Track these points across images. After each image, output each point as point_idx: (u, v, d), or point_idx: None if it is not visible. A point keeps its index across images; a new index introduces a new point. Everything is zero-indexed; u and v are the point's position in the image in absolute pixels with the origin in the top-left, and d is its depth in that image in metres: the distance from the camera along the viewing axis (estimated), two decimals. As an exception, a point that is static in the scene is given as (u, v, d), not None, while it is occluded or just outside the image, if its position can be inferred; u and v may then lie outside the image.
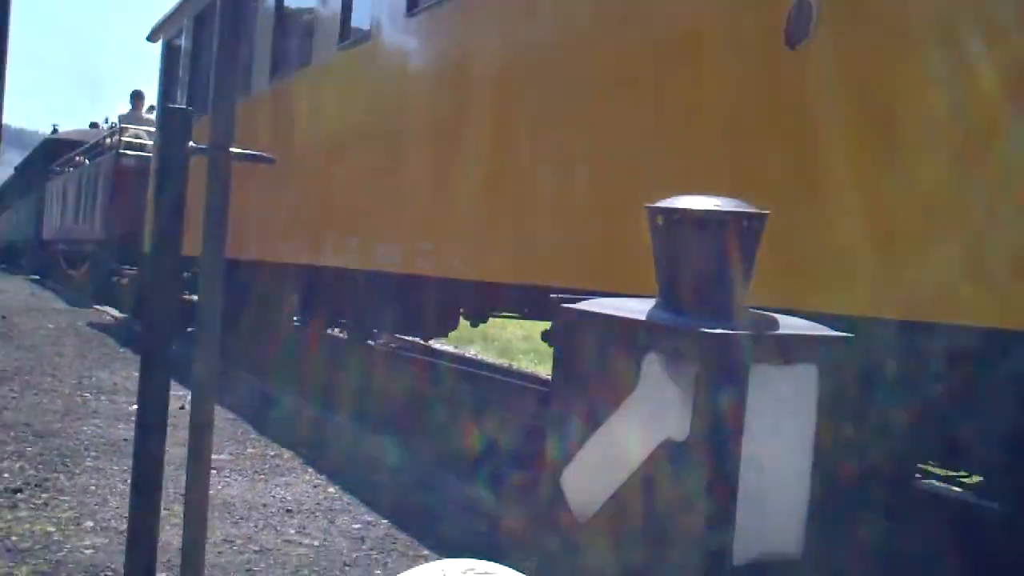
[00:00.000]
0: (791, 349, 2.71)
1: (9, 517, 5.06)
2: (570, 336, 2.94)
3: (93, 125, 22.91)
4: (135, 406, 7.84)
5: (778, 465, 2.74)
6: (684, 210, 2.76)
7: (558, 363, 2.97)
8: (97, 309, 17.89)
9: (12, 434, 6.73)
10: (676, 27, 4.52)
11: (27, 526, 4.89)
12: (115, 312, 17.43)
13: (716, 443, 2.63)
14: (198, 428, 2.95)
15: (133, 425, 7.15)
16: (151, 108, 18.32)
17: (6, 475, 5.78)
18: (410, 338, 11.93)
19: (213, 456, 6.48)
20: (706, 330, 2.61)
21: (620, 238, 4.67)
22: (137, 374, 9.38)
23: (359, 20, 8.11)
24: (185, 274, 13.60)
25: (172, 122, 2.69)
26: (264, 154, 2.67)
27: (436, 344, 14.28)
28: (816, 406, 2.74)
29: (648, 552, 2.73)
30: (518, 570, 2.34)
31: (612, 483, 2.81)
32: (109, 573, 4.38)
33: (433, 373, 10.08)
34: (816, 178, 3.71)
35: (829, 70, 3.64)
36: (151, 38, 15.44)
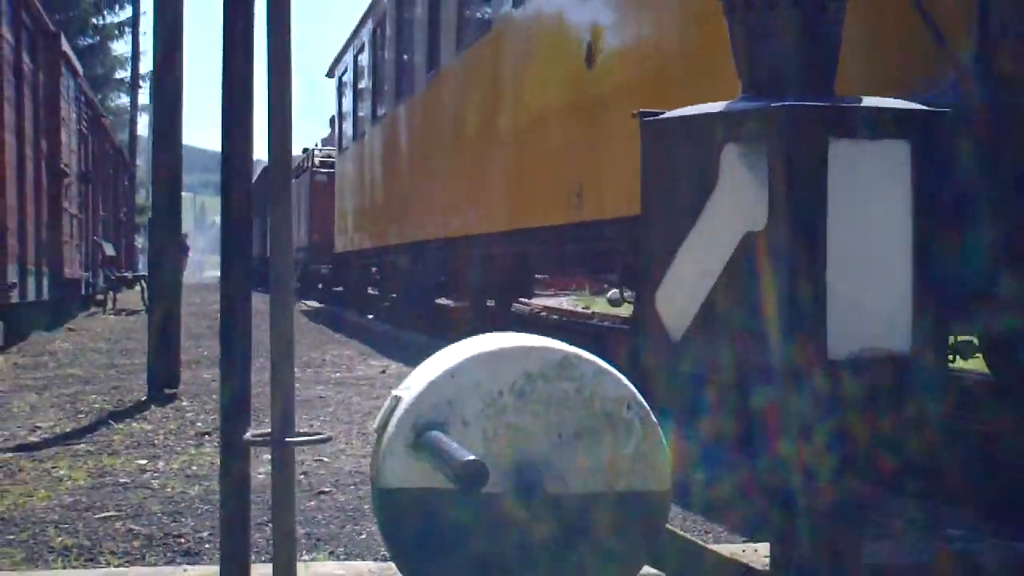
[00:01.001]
0: (877, 123, 2.54)
1: (193, 452, 5.37)
2: (654, 149, 2.86)
3: (305, 150, 24.56)
4: (337, 373, 8.13)
5: (873, 253, 2.57)
6: (756, -10, 2.64)
7: (645, 181, 2.89)
8: (304, 304, 19.59)
9: (215, 397, 7.09)
10: (532, 60, 7.84)
11: (207, 459, 5.15)
12: (315, 303, 20.15)
13: (796, 228, 2.49)
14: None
15: (329, 387, 7.48)
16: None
17: (199, 424, 6.14)
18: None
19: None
20: (775, 104, 2.49)
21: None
22: (348, 352, 9.72)
23: (433, 58, 10.99)
24: (374, 269, 14.63)
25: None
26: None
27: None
28: (911, 188, 2.56)
29: (741, 352, 2.61)
30: None
31: (703, 289, 2.70)
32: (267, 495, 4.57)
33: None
34: (599, 130, 6.53)
35: (608, 74, 6.42)
36: (329, 74, 18.85)
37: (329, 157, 20.77)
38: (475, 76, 9.17)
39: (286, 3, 2.81)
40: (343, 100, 17.79)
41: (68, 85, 13.87)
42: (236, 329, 3.05)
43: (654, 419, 2.21)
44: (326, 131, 22.27)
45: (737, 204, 2.62)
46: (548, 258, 8.53)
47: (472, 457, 1.87)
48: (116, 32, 36.00)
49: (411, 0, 11.85)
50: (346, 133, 17.28)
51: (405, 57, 12.31)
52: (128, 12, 33.19)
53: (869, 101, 2.64)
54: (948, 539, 3.29)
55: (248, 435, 2.93)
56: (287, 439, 2.87)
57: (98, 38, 35.84)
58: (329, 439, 3.16)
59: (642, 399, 2.22)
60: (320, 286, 22.28)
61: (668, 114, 2.87)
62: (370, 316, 14.44)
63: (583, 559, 2.16)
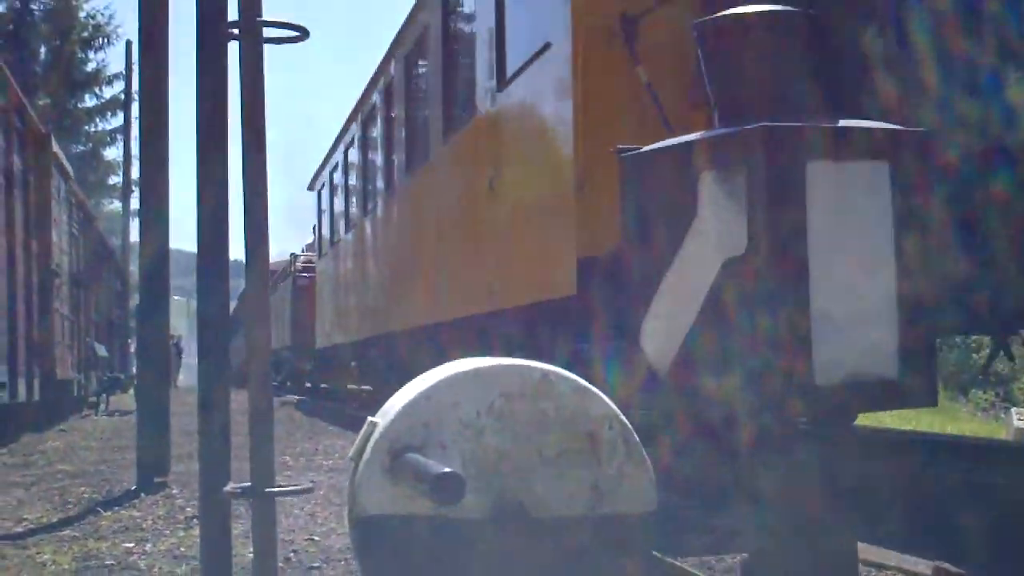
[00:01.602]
0: (855, 144, 2.55)
1: (182, 534, 5.31)
2: (633, 182, 2.86)
3: (292, 255, 25.46)
4: (329, 461, 8.05)
5: (856, 277, 2.55)
6: (726, 17, 2.67)
7: (625, 215, 2.89)
8: (289, 397, 20.07)
9: (204, 485, 7.03)
10: (458, 183, 9.59)
11: (196, 540, 5.05)
12: (297, 397, 21.24)
13: (776, 252, 2.48)
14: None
15: (321, 473, 7.41)
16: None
17: (188, 509, 6.06)
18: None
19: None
20: (751, 127, 2.50)
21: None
22: (341, 443, 9.60)
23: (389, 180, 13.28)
24: (353, 363, 15.41)
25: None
26: (295, 24, 2.76)
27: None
28: (893, 210, 2.55)
29: (727, 382, 2.58)
30: None
31: (687, 320, 2.68)
32: None
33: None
34: (501, 240, 8.13)
35: (502, 198, 8.03)
36: (310, 188, 21.43)
37: (311, 262, 22.51)
38: (420, 193, 11.47)
39: (261, 118, 2.85)
40: (322, 211, 20.29)
41: (59, 187, 13.97)
42: (215, 386, 3.04)
43: (636, 439, 2.16)
44: (311, 238, 23.36)
45: (717, 231, 2.61)
46: (467, 343, 9.58)
47: (448, 470, 1.83)
48: (108, 139, 36.53)
49: (374, 128, 14.36)
50: (325, 239, 19.74)
51: (369, 177, 14.90)
52: (120, 119, 33.65)
53: (846, 122, 2.65)
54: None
55: (228, 487, 2.89)
56: (267, 489, 2.84)
57: (91, 145, 36.33)
58: (310, 490, 3.13)
59: (624, 418, 2.18)
60: (308, 384, 22.98)
61: (647, 147, 2.88)
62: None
63: (568, 586, 2.11)
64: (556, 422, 2.14)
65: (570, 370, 2.38)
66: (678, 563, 2.30)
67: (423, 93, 11.32)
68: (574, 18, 6.43)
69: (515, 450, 2.11)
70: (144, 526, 5.58)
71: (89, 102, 36.68)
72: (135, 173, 25.81)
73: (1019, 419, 6.21)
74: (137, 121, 20.83)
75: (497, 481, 2.11)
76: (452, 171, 9.96)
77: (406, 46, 12.05)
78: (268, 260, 3.10)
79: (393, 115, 12.90)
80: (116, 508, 6.20)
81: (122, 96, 31.97)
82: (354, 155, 16.10)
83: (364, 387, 16.82)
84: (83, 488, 7.19)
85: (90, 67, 36.53)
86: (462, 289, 9.43)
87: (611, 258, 5.70)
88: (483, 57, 8.71)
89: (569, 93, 6.49)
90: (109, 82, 36.53)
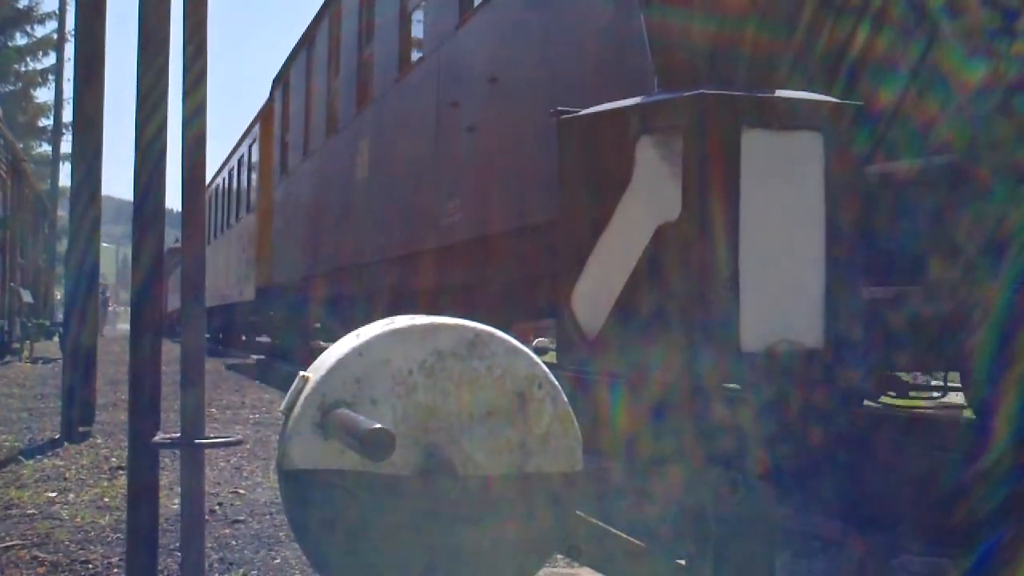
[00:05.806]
0: (790, 114, 2.59)
1: (106, 484, 5.31)
2: (570, 147, 2.89)
3: (177, 240, 27.57)
4: (256, 415, 8.05)
5: (786, 246, 2.61)
6: (668, -18, 2.69)
7: (562, 181, 2.91)
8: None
9: (130, 435, 7.00)
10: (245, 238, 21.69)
11: (120, 491, 5.08)
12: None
13: (708, 217, 2.52)
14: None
15: (248, 427, 7.41)
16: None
17: (113, 459, 6.08)
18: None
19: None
20: (689, 93, 2.53)
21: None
22: (267, 396, 9.63)
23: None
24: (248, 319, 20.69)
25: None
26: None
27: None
28: (824, 180, 2.60)
29: (655, 346, 2.62)
30: None
31: (619, 283, 2.72)
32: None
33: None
34: (243, 265, 21.85)
35: (251, 249, 20.76)
36: None
37: None
38: (243, 230, 20.94)
39: (203, 60, 2.83)
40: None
41: (-14, 127, 13.71)
42: (145, 334, 3.03)
43: (565, 399, 2.20)
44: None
45: (652, 197, 2.65)
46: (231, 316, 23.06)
47: (378, 425, 1.86)
48: (39, 79, 35.77)
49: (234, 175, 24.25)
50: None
51: (230, 201, 24.63)
52: (52, 59, 33.02)
53: (783, 92, 2.69)
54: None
55: (158, 437, 2.89)
56: (196, 440, 2.84)
57: (20, 84, 35.56)
58: (240, 442, 3.14)
59: (553, 379, 2.21)
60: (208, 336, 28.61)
61: (584, 111, 2.90)
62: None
63: (492, 543, 2.15)
64: (487, 381, 2.17)
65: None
66: (601, 523, 2.36)
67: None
68: (260, 198, 18.11)
69: (445, 408, 2.15)
70: (67, 475, 5.56)
71: (20, 40, 35.92)
72: (67, 116, 25.30)
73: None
74: (70, 62, 20.45)
75: (426, 438, 2.15)
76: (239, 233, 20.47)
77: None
78: (204, 210, 3.09)
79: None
80: (39, 457, 6.18)
81: (55, 36, 31.34)
82: (225, 181, 25.47)
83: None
84: (5, 436, 7.14)
85: (22, 4, 35.75)
86: (234, 286, 20.24)
87: (266, 286, 17.27)
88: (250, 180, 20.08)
89: (255, 228, 17.91)
90: (41, 21, 35.77)
